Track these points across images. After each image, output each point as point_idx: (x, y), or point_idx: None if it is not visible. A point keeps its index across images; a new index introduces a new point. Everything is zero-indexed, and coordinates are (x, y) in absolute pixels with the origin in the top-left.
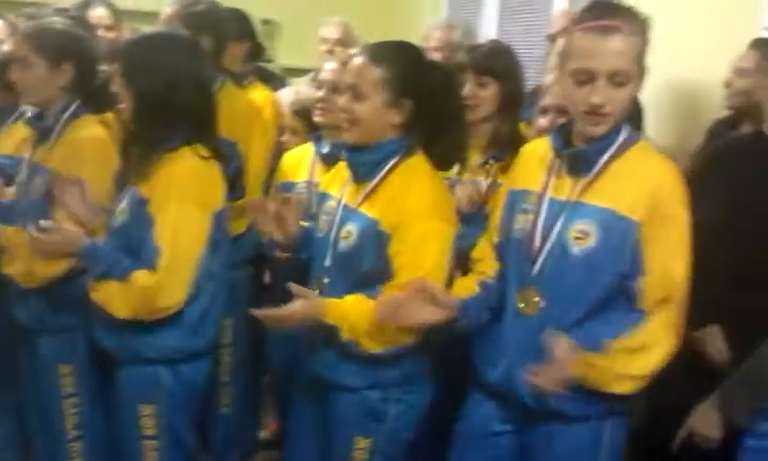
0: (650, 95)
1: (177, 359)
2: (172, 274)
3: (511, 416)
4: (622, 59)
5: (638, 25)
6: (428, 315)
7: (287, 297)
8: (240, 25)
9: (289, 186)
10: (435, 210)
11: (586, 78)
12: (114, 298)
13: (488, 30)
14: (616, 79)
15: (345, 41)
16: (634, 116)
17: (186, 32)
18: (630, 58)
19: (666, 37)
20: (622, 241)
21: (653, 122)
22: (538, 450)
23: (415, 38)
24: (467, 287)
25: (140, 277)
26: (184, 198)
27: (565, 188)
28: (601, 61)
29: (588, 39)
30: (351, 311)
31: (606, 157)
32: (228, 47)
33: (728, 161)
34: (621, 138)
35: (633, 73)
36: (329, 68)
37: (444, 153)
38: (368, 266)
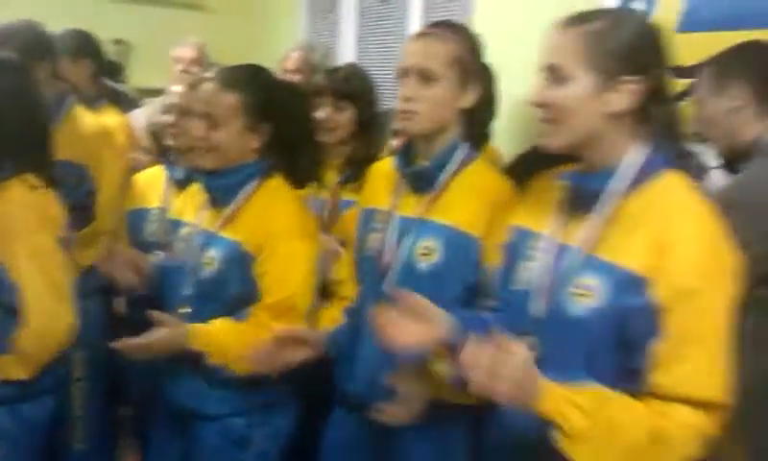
0: (503, 115)
1: (17, 399)
2: (50, 306)
3: (373, 429)
4: (429, 58)
5: (461, 35)
6: (298, 355)
7: (145, 326)
8: (77, 43)
9: (142, 214)
10: (299, 230)
11: (401, 75)
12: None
13: (345, 52)
14: (423, 76)
15: (200, 62)
16: (477, 134)
17: (16, 56)
18: (440, 59)
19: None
20: (465, 256)
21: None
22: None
23: (272, 61)
24: (333, 318)
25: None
26: (21, 232)
27: (411, 206)
28: (408, 59)
29: (406, 44)
30: (218, 335)
31: (446, 174)
32: (66, 66)
33: None
34: (460, 156)
35: (441, 74)
36: (177, 92)
37: (301, 173)
38: (234, 291)
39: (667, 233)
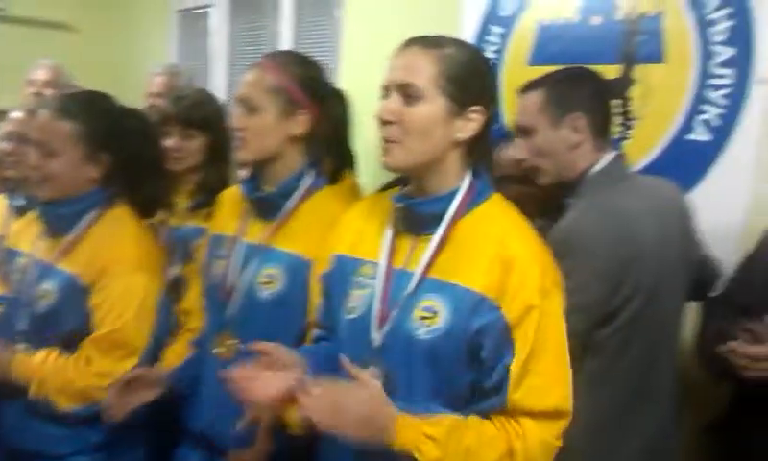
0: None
1: None
2: None
3: None
4: (251, 88)
5: (291, 65)
6: (144, 397)
7: None
8: None
9: None
10: (138, 262)
11: (234, 105)
12: None
13: (217, 75)
14: (247, 105)
15: (55, 84)
16: (331, 160)
17: None
18: (260, 89)
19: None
20: (307, 283)
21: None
22: None
23: (142, 85)
24: (177, 354)
25: None
26: None
27: (257, 233)
28: (238, 89)
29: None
30: (39, 366)
31: (291, 201)
32: None
33: None
34: (306, 183)
35: (263, 104)
36: (15, 119)
37: (145, 202)
38: (71, 325)
39: (505, 252)
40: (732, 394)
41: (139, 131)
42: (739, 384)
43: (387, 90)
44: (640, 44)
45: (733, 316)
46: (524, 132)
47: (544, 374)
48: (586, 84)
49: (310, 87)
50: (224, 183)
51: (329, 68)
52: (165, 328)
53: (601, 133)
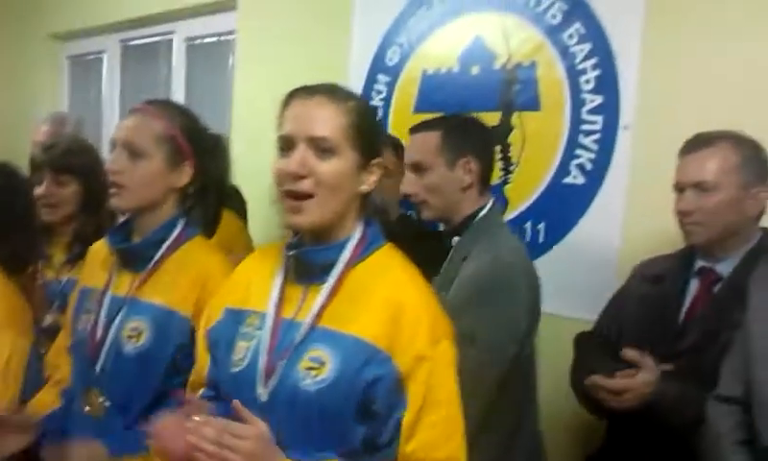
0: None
1: None
2: None
3: None
4: (138, 134)
5: (177, 114)
6: (12, 445)
7: None
8: None
9: None
10: (4, 319)
11: (110, 148)
12: None
13: (111, 123)
14: (131, 151)
15: None
16: (204, 211)
17: None
18: (147, 136)
19: None
20: (175, 335)
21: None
22: None
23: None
24: (45, 403)
25: None
26: None
27: (125, 285)
28: (118, 132)
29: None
30: None
31: (160, 252)
32: None
33: None
34: (176, 232)
35: (149, 151)
36: None
37: (13, 257)
38: None
39: (396, 302)
40: (608, 426)
41: (5, 186)
42: (610, 417)
43: (291, 142)
44: (517, 93)
45: (603, 351)
46: (418, 168)
47: (437, 425)
48: (477, 130)
49: (194, 138)
50: (100, 234)
51: (221, 115)
52: (35, 385)
53: (486, 179)
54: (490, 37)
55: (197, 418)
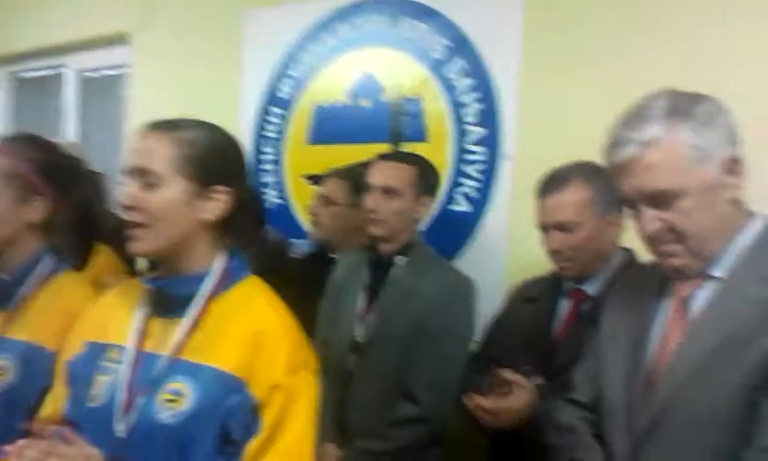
0: None
1: None
2: None
3: None
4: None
5: (28, 150)
6: None
7: None
8: None
9: None
10: None
11: None
12: None
13: None
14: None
15: None
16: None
17: None
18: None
19: None
20: (42, 372)
21: None
22: None
23: None
24: None
25: None
26: None
27: None
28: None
29: None
30: None
31: (26, 288)
32: None
33: None
34: (42, 269)
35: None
36: None
37: None
38: None
39: (256, 332)
40: (490, 443)
41: None
42: (490, 434)
43: (128, 175)
44: (405, 124)
45: (484, 369)
46: (390, 192)
47: (284, 454)
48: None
49: (48, 172)
50: None
51: (115, 147)
52: None
53: None
54: (378, 72)
55: (21, 441)
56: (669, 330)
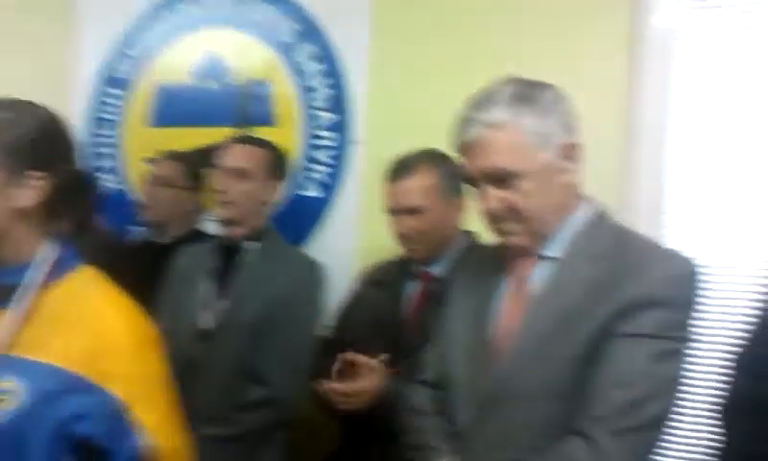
0: None
1: None
2: None
3: None
4: None
5: None
6: None
7: None
8: None
9: None
10: None
11: None
12: None
13: None
14: None
15: None
16: None
17: None
18: None
19: None
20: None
21: None
22: None
23: None
24: None
25: None
26: None
27: None
28: None
29: None
30: None
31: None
32: None
33: None
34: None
35: None
36: None
37: None
38: None
39: (94, 325)
40: (343, 426)
41: None
42: (344, 418)
43: None
44: (253, 108)
45: (334, 354)
46: (240, 174)
47: (156, 421)
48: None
49: None
50: None
51: None
52: None
53: None
54: (225, 53)
55: None
56: (509, 307)
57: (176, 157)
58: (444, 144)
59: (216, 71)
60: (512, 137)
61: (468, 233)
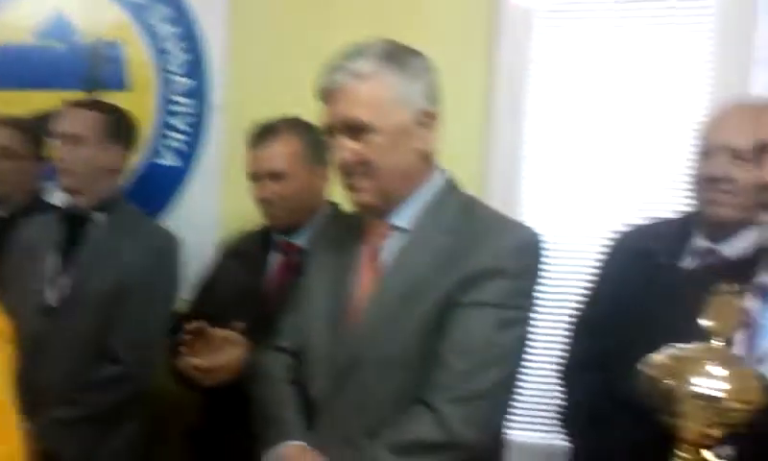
0: None
1: None
2: None
3: None
4: None
5: None
6: None
7: None
8: None
9: None
10: None
11: None
12: None
13: None
14: None
15: None
16: None
17: None
18: None
19: None
20: None
21: None
22: None
23: None
24: None
25: None
26: None
27: None
28: None
29: None
30: None
31: None
32: None
33: None
34: None
35: None
36: None
37: None
38: None
39: None
40: (205, 401)
41: None
42: (207, 392)
43: None
44: (104, 71)
45: (195, 327)
46: (75, 140)
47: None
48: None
49: None
50: None
51: None
52: None
53: None
54: (71, 12)
55: None
56: (363, 277)
57: (13, 123)
58: (306, 109)
59: (62, 30)
60: (373, 90)
61: (332, 205)
